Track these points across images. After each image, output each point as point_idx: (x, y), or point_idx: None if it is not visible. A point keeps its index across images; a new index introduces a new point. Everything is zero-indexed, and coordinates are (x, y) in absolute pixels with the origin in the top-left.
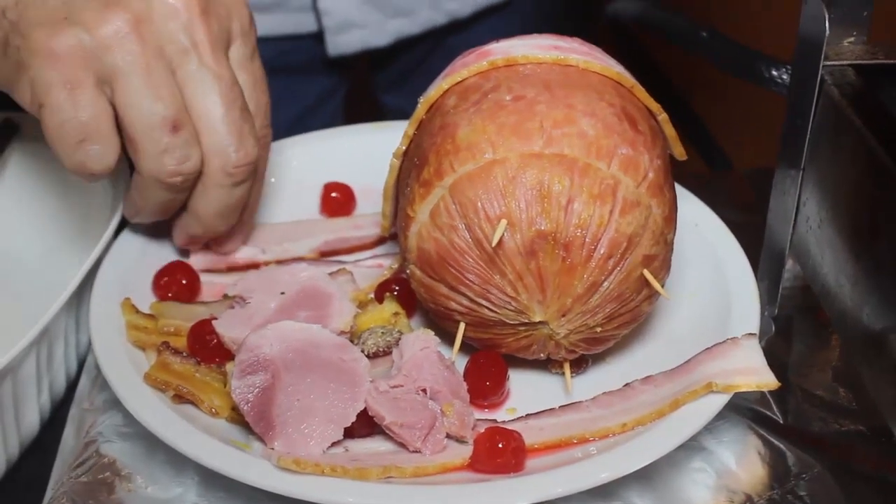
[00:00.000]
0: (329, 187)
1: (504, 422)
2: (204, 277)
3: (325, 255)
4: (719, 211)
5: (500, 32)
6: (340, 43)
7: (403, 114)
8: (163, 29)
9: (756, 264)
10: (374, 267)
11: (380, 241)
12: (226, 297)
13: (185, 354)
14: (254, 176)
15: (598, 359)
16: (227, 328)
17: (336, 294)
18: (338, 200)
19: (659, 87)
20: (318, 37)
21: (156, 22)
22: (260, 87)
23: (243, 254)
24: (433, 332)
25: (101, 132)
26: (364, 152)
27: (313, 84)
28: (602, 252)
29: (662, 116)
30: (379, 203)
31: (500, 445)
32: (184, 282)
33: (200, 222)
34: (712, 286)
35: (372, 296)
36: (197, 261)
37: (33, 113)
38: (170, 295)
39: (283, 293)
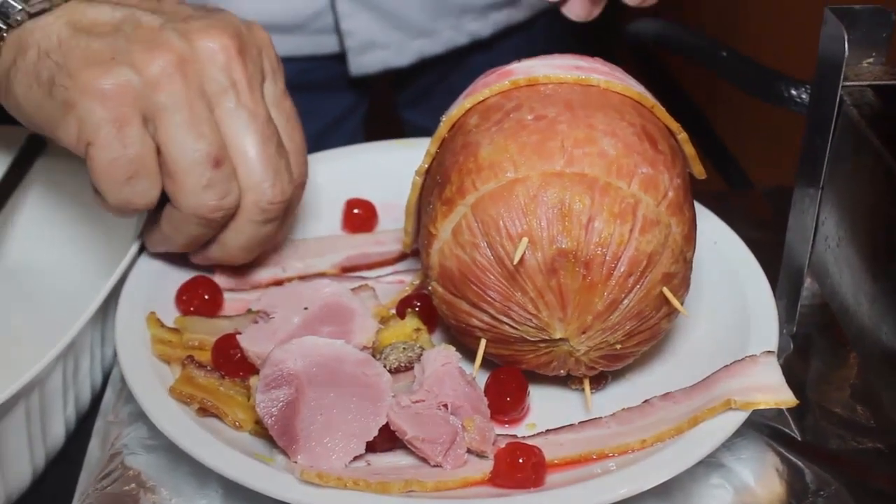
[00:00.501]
0: (351, 203)
1: (524, 437)
2: (227, 293)
3: (346, 270)
4: (737, 229)
5: (522, 52)
6: (363, 63)
7: (424, 130)
8: (204, 69)
9: (774, 282)
10: (395, 283)
11: (401, 257)
12: (249, 311)
13: (209, 368)
14: (285, 213)
15: (618, 375)
16: (252, 343)
17: (358, 310)
18: (360, 216)
19: (678, 106)
20: (339, 56)
21: (197, 62)
22: (293, 125)
23: (266, 273)
24: (454, 348)
25: (148, 168)
26: (386, 169)
27: (334, 101)
28: (622, 270)
29: (682, 136)
30: (401, 219)
31: (521, 461)
32: (206, 297)
33: (225, 252)
34: (731, 304)
35: (394, 311)
36: (222, 280)
37: (78, 152)
38: (192, 310)
39: (306, 308)
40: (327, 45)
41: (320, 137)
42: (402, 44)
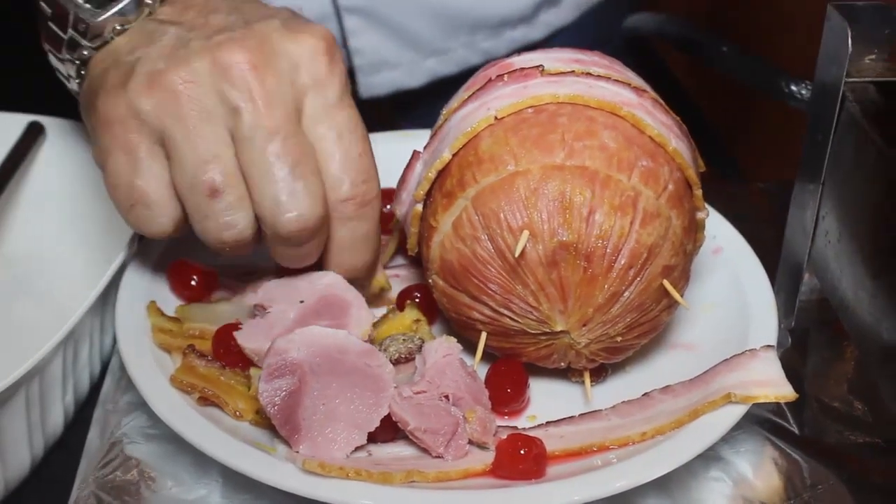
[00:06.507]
0: None
1: (525, 429)
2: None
3: None
4: (735, 223)
5: None
6: (373, 84)
7: None
8: (211, 89)
9: (772, 277)
10: (391, 277)
11: None
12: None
13: (209, 358)
14: (321, 234)
15: (618, 368)
16: (248, 340)
17: (354, 301)
18: None
19: (672, 100)
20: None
21: (204, 83)
22: (348, 138)
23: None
24: (455, 340)
25: (151, 197)
26: (385, 160)
27: None
28: (623, 262)
29: (682, 129)
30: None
31: (523, 452)
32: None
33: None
34: (730, 297)
35: (394, 304)
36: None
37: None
38: (187, 292)
39: (302, 302)
40: None
41: None
42: (413, 63)
